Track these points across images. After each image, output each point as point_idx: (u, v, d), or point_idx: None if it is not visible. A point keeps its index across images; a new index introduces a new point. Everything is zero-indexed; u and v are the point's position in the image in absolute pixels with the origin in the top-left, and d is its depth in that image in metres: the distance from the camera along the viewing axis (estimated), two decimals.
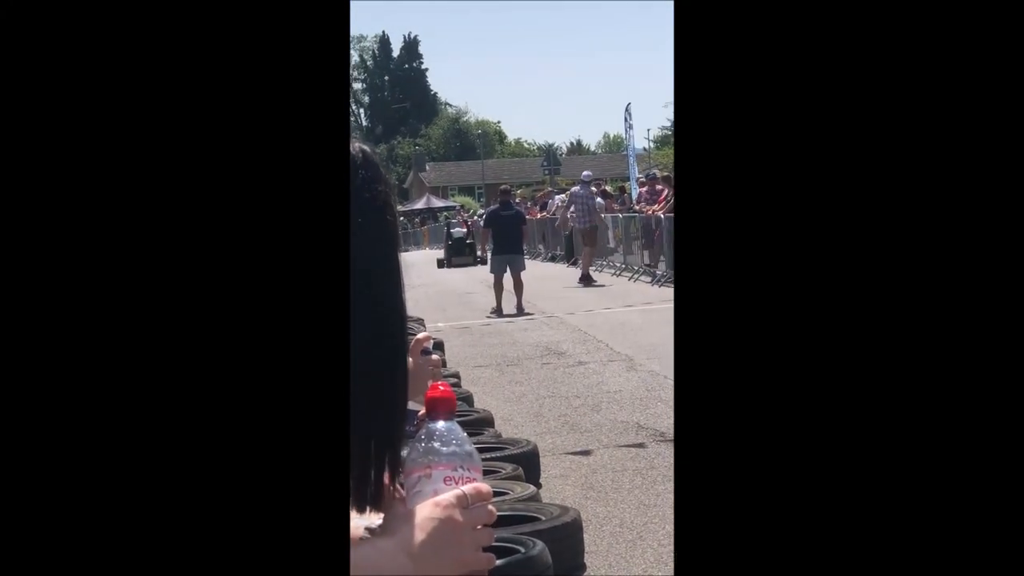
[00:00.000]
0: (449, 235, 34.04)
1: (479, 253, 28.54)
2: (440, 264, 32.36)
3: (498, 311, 16.30)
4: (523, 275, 16.72)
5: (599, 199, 23.42)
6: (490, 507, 1.28)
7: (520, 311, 16.08)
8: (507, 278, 16.56)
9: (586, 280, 20.13)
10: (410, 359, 2.12)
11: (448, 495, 1.26)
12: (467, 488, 1.27)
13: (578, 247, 24.24)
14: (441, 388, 1.37)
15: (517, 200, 30.15)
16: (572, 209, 21.65)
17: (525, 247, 18.22)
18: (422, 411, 2.13)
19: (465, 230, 34.39)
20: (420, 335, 2.18)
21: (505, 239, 16.85)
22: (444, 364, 9.88)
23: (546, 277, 22.22)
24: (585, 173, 22.74)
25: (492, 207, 18.96)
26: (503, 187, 19.26)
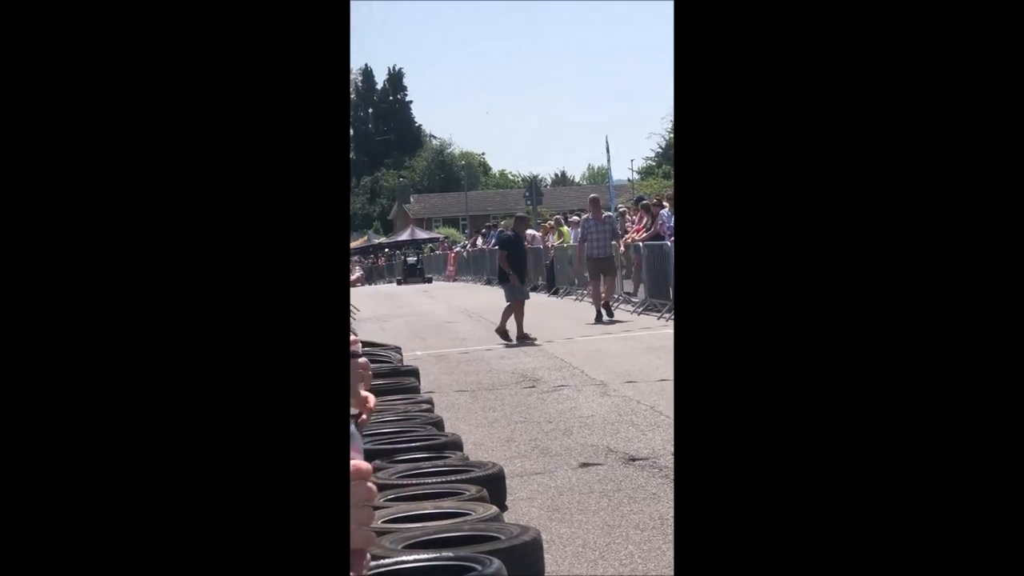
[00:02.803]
0: (404, 262, 49.31)
1: (429, 276, 45.77)
2: (398, 283, 45.92)
3: (507, 335, 15.77)
4: (508, 306, 16.15)
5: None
6: (369, 485, 1.32)
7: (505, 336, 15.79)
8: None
9: (607, 313, 18.04)
10: None
11: None
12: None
13: (557, 277, 24.09)
14: None
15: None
16: (584, 239, 18.94)
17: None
18: (358, 413, 2.18)
19: (416, 258, 49.64)
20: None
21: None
22: (418, 390, 9.92)
23: (527, 305, 22.24)
24: (592, 195, 20.71)
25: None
26: (519, 214, 18.84)
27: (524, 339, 15.53)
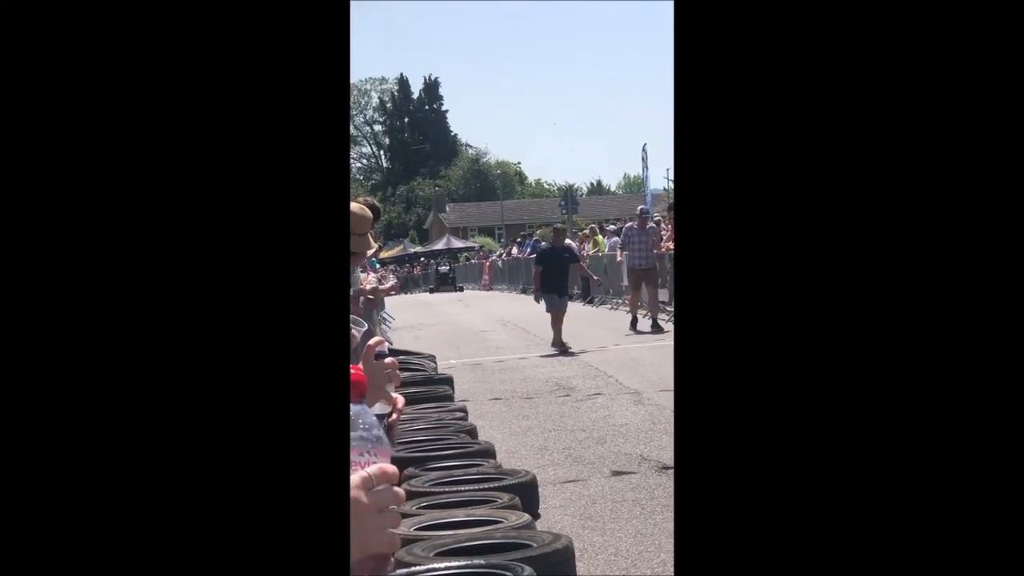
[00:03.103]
0: (437, 271, 51.66)
1: (461, 285, 48.24)
2: (431, 291, 47.69)
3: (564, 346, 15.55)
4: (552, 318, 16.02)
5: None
6: (396, 489, 1.31)
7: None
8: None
9: (654, 327, 17.51)
10: (362, 364, 2.17)
11: (352, 477, 1.29)
12: (371, 469, 1.29)
13: (592, 286, 24.02)
14: (352, 371, 1.41)
15: (534, 238, 30.28)
16: (624, 247, 18.94)
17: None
18: (388, 413, 2.19)
19: (448, 267, 51.83)
20: (371, 340, 2.23)
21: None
22: (452, 398, 9.94)
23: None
24: (641, 207, 20.66)
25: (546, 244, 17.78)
26: (557, 226, 18.73)
27: (561, 348, 15.45)
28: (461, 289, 47.00)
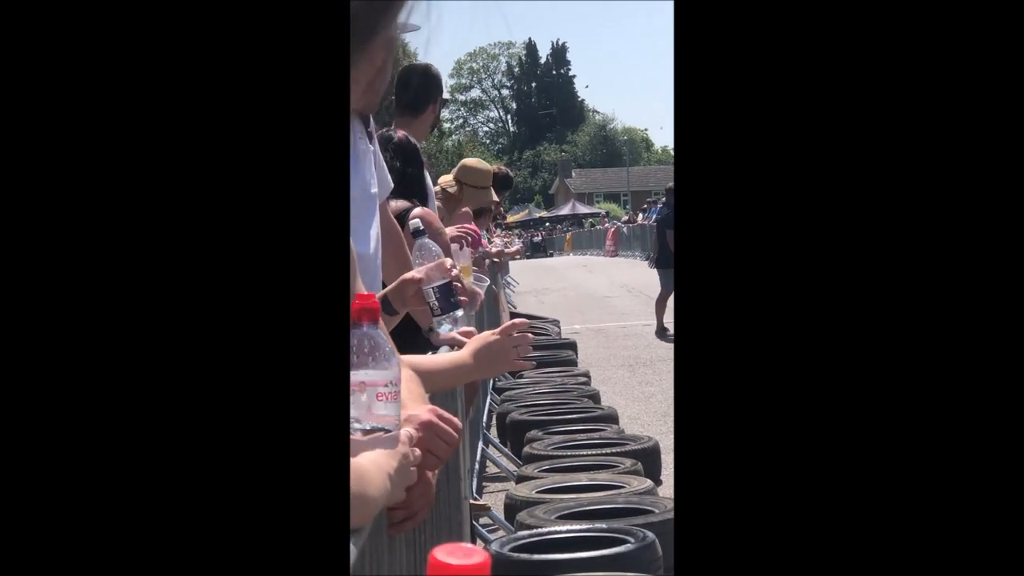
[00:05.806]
0: (531, 240, 57.88)
1: (551, 252, 56.45)
2: (527, 257, 51.15)
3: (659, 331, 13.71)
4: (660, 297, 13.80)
5: None
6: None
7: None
8: None
9: None
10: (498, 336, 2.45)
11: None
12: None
13: None
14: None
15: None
16: None
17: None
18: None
19: (540, 238, 59.98)
20: (516, 320, 2.42)
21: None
22: (576, 363, 9.95)
23: None
24: None
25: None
26: (670, 185, 15.07)
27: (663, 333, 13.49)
28: (551, 255, 54.70)
